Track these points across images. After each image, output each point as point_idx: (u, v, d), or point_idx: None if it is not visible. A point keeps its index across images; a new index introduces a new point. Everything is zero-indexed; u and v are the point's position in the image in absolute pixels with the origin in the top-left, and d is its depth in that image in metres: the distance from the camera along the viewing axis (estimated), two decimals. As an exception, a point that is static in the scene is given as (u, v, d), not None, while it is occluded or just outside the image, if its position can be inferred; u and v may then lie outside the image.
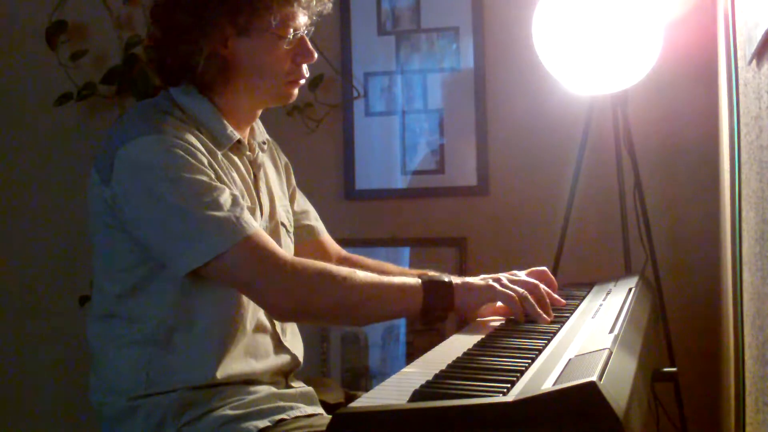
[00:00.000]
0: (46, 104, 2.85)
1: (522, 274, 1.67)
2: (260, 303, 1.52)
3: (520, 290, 1.54)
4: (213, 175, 1.50)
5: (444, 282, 1.53)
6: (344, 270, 1.52)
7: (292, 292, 1.48)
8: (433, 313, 1.52)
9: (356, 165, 2.78)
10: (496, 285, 1.55)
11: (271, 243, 1.50)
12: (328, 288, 1.49)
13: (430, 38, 2.72)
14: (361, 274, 1.52)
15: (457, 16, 2.69)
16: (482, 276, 1.61)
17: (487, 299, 1.55)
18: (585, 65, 2.22)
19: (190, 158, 1.48)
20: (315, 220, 1.91)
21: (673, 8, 2.42)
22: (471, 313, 1.58)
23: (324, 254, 1.88)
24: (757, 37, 1.39)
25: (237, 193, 1.53)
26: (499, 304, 1.60)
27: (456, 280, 1.55)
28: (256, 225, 1.50)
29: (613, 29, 2.18)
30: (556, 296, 1.65)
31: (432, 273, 1.60)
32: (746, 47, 1.58)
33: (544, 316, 1.51)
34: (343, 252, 1.94)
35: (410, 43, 2.74)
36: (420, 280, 1.53)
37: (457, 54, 2.70)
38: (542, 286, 1.62)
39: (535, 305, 1.52)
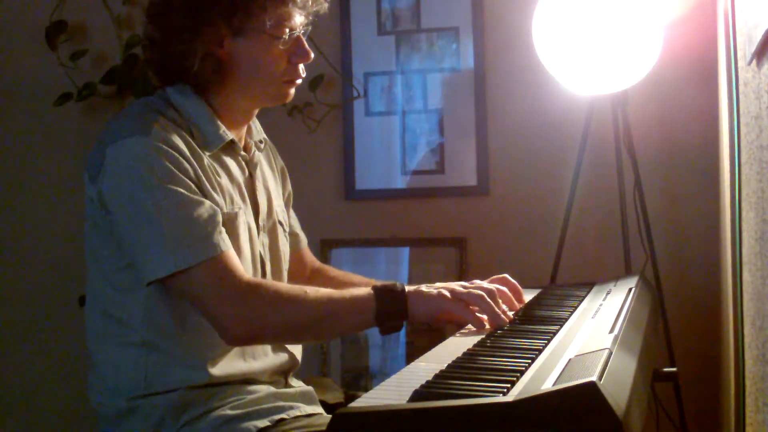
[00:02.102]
0: (46, 104, 2.85)
1: (484, 283, 1.64)
2: (213, 326, 1.48)
3: (476, 292, 1.52)
4: (194, 186, 1.49)
5: (396, 290, 1.50)
6: (295, 290, 1.50)
7: (243, 320, 1.46)
8: (388, 322, 1.49)
9: (356, 165, 2.78)
10: (449, 295, 1.51)
11: (236, 265, 1.48)
12: (279, 312, 1.48)
13: (430, 38, 2.72)
14: (312, 293, 1.49)
15: (457, 16, 2.69)
16: (436, 284, 1.58)
17: (441, 309, 1.51)
18: (585, 65, 2.22)
19: (172, 166, 1.47)
20: (300, 230, 1.92)
21: (673, 8, 2.43)
22: (425, 321, 1.56)
23: (301, 264, 1.89)
24: (757, 37, 1.39)
25: (218, 205, 1.52)
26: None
27: (409, 288, 1.53)
28: (226, 245, 1.48)
29: (613, 29, 2.18)
30: (515, 303, 1.64)
31: (386, 282, 1.57)
32: (746, 47, 1.58)
33: (503, 317, 1.50)
34: (317, 263, 1.95)
35: (410, 43, 2.74)
36: (371, 291, 1.51)
37: (457, 54, 2.70)
38: (504, 289, 1.62)
39: (494, 306, 1.50)
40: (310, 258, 1.94)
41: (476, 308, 1.52)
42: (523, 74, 2.61)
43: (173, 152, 1.49)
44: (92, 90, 2.82)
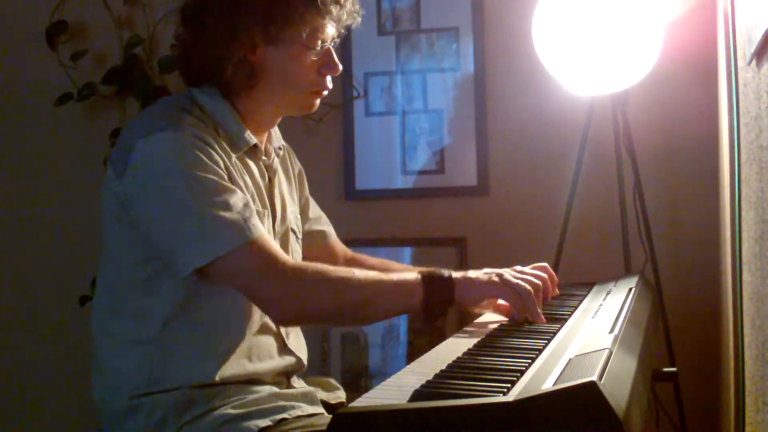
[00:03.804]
0: (46, 104, 2.85)
1: (526, 270, 1.67)
2: (261, 307, 1.52)
3: (525, 286, 1.53)
4: (226, 176, 1.51)
5: (444, 277, 1.52)
6: (343, 271, 1.52)
7: (292, 297, 1.48)
8: (434, 308, 1.51)
9: (356, 165, 2.78)
10: (498, 281, 1.54)
11: (275, 248, 1.50)
12: (328, 291, 1.50)
13: (430, 38, 2.72)
14: (360, 274, 1.51)
15: (457, 17, 2.69)
16: (485, 270, 1.59)
17: (489, 295, 1.54)
18: (585, 65, 2.22)
19: (204, 157, 1.48)
20: (327, 224, 1.93)
21: (673, 8, 2.42)
22: (472, 308, 1.58)
23: (333, 256, 1.90)
24: (757, 37, 1.39)
25: (248, 196, 1.53)
26: (500, 300, 1.60)
27: (456, 274, 1.54)
28: (262, 229, 1.50)
29: (613, 29, 2.18)
30: (556, 291, 1.68)
31: (433, 269, 1.59)
32: (746, 47, 1.58)
33: (542, 317, 1.51)
34: (350, 253, 1.96)
35: (410, 43, 2.74)
36: (419, 276, 1.52)
37: (457, 54, 2.70)
38: (546, 278, 1.64)
39: (536, 304, 1.52)
40: (342, 248, 1.95)
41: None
42: (523, 74, 2.60)
43: (205, 144, 1.50)
44: (92, 90, 2.82)
